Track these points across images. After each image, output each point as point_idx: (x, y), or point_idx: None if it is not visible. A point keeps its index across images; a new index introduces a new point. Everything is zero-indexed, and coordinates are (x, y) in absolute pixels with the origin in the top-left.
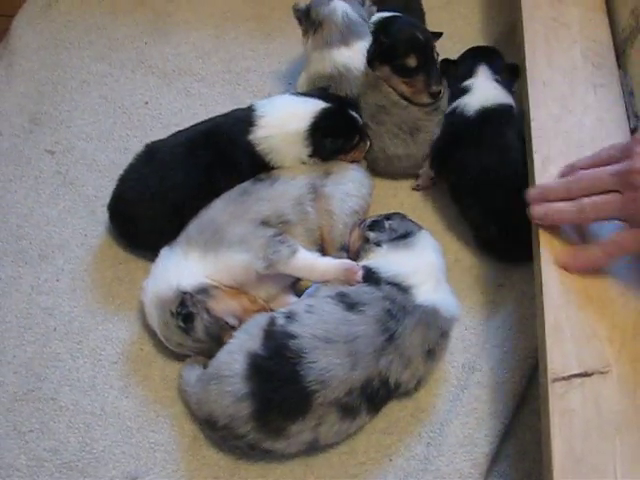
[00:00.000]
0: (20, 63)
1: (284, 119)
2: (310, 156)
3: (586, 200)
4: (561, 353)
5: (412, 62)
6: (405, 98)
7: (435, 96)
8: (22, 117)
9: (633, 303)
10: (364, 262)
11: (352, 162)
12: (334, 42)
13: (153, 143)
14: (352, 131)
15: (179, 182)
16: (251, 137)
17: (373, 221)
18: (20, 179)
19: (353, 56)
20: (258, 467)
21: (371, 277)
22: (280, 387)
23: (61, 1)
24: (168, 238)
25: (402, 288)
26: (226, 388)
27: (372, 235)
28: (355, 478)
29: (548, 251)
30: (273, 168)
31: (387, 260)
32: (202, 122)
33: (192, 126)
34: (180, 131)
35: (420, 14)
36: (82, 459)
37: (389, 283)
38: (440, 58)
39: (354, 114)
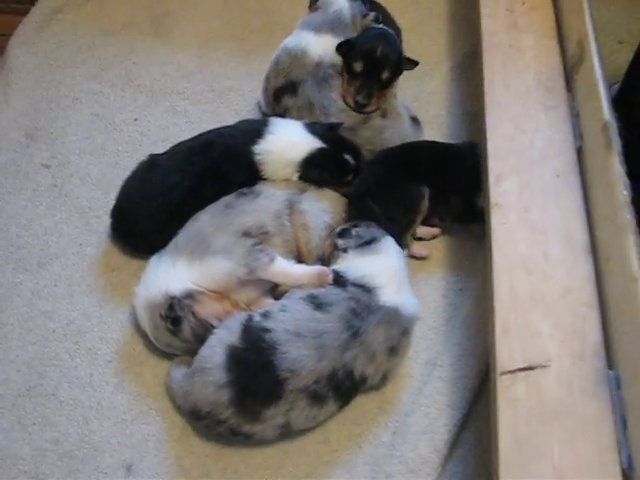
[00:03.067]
0: (16, 82)
1: (286, 145)
2: (298, 179)
3: None
4: (508, 349)
5: (358, 67)
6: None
7: (359, 106)
8: (19, 133)
9: (572, 306)
10: (333, 266)
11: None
12: (311, 26)
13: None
14: (342, 172)
15: (176, 185)
16: (255, 147)
17: (342, 229)
18: (19, 192)
19: (315, 44)
20: (240, 454)
21: (339, 280)
22: (256, 375)
23: (54, 22)
24: (166, 238)
25: (367, 289)
26: (208, 378)
27: (340, 242)
28: (328, 464)
29: (499, 258)
30: (261, 179)
31: (353, 264)
32: (206, 132)
33: (195, 136)
34: (182, 142)
35: (397, 32)
36: (81, 449)
37: (354, 285)
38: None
39: (347, 157)
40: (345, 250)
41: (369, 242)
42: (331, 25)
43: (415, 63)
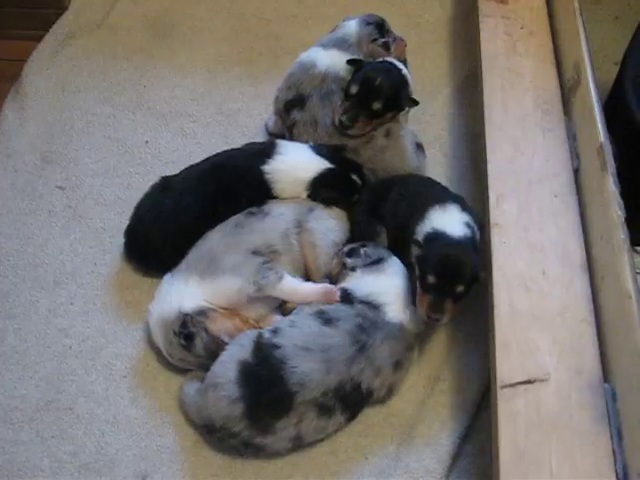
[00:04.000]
0: (31, 106)
1: (295, 164)
2: (307, 197)
3: None
4: (508, 364)
5: (353, 89)
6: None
7: (342, 127)
8: (34, 155)
9: (570, 322)
10: (342, 284)
11: None
12: (321, 42)
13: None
14: (349, 191)
15: (188, 206)
16: (265, 167)
17: (351, 248)
18: (34, 213)
19: (322, 57)
20: (251, 466)
21: (347, 297)
22: (267, 389)
23: (67, 48)
24: (178, 257)
25: (373, 306)
26: (221, 393)
27: (349, 261)
28: (336, 475)
29: (499, 277)
30: (270, 197)
31: (361, 282)
32: (215, 155)
33: (205, 159)
34: (193, 165)
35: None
36: (98, 461)
37: (362, 302)
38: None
39: (354, 177)
40: (353, 269)
41: (376, 262)
42: (337, 42)
43: (416, 102)
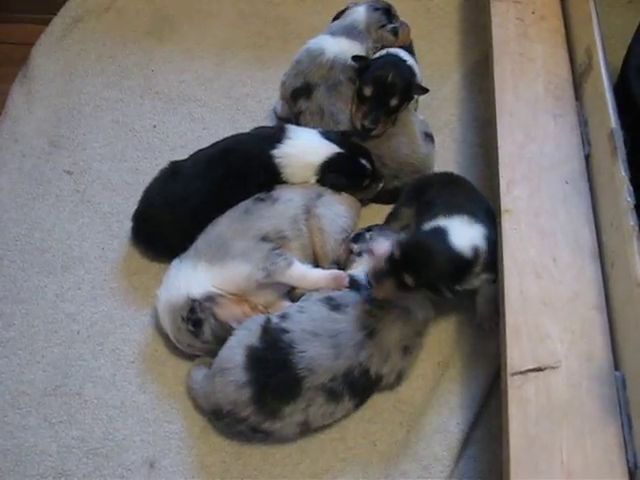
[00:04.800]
0: (38, 90)
1: (305, 149)
2: (316, 182)
3: None
4: (519, 351)
5: (367, 91)
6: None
7: (365, 130)
8: (42, 140)
9: (580, 309)
10: (350, 271)
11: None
12: (329, 30)
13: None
14: (359, 176)
15: (197, 190)
16: (274, 151)
17: (356, 234)
18: (42, 197)
19: (331, 44)
20: (260, 452)
21: (354, 284)
22: (275, 374)
23: (75, 32)
24: (186, 242)
25: None
26: (229, 378)
27: (355, 247)
28: (344, 461)
29: (510, 263)
30: (279, 182)
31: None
32: (224, 139)
33: (214, 143)
34: (202, 149)
35: (409, 45)
36: (106, 446)
37: (369, 288)
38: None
39: (364, 162)
40: (360, 254)
41: None
42: (346, 30)
43: (425, 90)
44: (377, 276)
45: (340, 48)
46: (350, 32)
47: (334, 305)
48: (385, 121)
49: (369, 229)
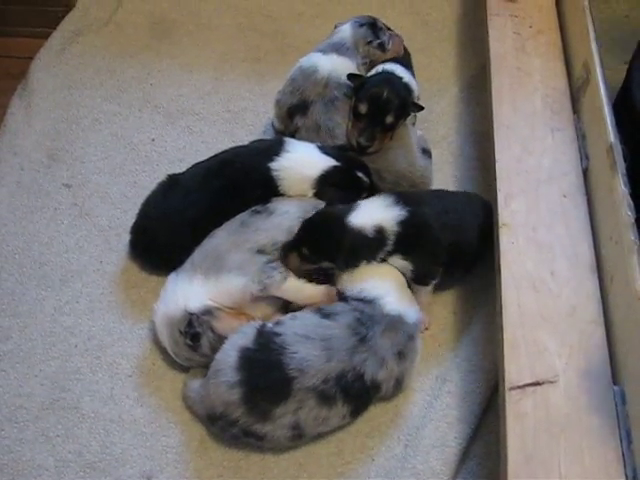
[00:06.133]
0: (38, 103)
1: (302, 162)
2: (314, 195)
3: None
4: (517, 365)
5: (363, 109)
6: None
7: (361, 148)
8: (41, 153)
9: (579, 323)
10: (337, 284)
11: None
12: (319, 48)
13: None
14: (356, 189)
15: (195, 203)
16: (272, 164)
17: None
18: (40, 210)
19: (323, 62)
20: (257, 467)
21: (342, 297)
22: (265, 374)
23: (75, 45)
24: (183, 255)
25: (367, 301)
26: (221, 379)
27: None
28: (342, 476)
29: (508, 277)
30: (277, 195)
31: (353, 278)
32: (222, 152)
33: (212, 156)
34: (199, 162)
35: (407, 54)
36: (103, 460)
37: (355, 299)
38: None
39: (361, 175)
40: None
41: None
42: (335, 47)
43: (421, 107)
44: (284, 249)
45: (333, 65)
46: (339, 49)
47: (325, 314)
48: (381, 138)
49: None
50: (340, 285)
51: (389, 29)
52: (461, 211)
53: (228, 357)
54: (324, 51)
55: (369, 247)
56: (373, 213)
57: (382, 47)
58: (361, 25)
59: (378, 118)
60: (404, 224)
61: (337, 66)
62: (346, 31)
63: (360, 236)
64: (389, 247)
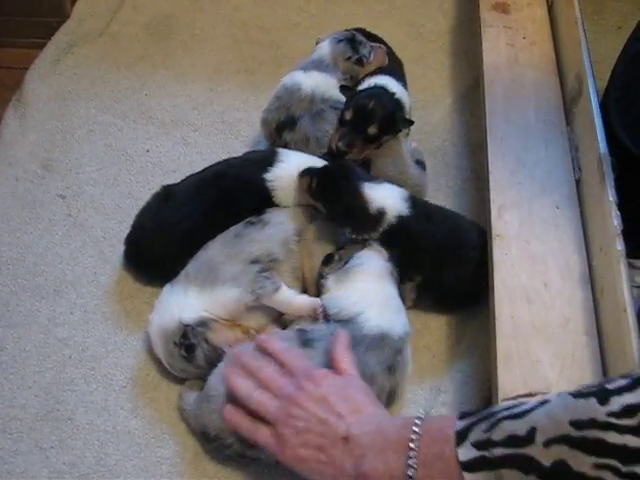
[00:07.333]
0: (32, 114)
1: (297, 172)
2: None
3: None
4: (510, 376)
5: (347, 115)
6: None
7: (339, 153)
8: (35, 164)
9: (571, 334)
10: (322, 298)
11: None
12: (300, 66)
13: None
14: None
15: (189, 214)
16: (266, 175)
17: (327, 255)
18: (35, 221)
19: (306, 79)
20: (252, 479)
21: (325, 314)
22: None
23: (69, 56)
24: (178, 266)
25: (346, 321)
26: (213, 406)
27: (325, 270)
28: None
29: (501, 288)
30: (271, 205)
31: (332, 295)
32: (216, 164)
33: (206, 168)
34: (194, 174)
35: (398, 65)
36: (97, 472)
37: (336, 320)
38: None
39: None
40: (326, 278)
41: (344, 266)
42: (315, 64)
43: (411, 122)
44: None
45: (315, 82)
46: (319, 66)
47: (306, 339)
48: (361, 147)
49: (342, 247)
50: (324, 299)
51: (375, 39)
52: (458, 237)
53: (219, 385)
54: (305, 69)
55: (367, 220)
56: (380, 192)
57: (360, 62)
58: (339, 41)
59: (360, 126)
60: (402, 220)
61: (319, 83)
62: (325, 48)
63: (363, 206)
64: (376, 234)
